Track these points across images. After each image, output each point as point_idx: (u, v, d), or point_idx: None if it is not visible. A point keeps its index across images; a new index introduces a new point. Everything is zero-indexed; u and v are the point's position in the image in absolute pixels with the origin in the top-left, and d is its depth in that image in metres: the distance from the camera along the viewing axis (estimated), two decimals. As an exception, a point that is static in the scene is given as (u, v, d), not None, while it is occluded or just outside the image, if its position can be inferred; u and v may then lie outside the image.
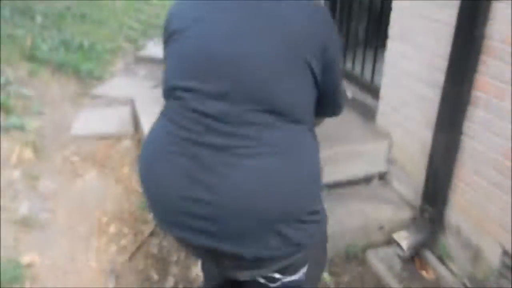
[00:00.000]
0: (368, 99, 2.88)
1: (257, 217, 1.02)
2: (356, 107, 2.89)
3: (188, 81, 1.09)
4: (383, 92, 2.60)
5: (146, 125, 2.96)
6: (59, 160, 2.91)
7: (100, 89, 3.89)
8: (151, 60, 4.57)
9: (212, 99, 1.05)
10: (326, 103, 1.22)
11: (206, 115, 1.05)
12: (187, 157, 1.06)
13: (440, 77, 2.10)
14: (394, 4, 2.42)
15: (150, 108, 3.30)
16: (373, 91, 2.84)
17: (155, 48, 4.86)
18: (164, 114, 1.17)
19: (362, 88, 2.99)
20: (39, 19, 4.79)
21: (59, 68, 3.96)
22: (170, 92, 1.15)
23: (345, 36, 3.20)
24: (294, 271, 1.19)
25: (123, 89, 3.84)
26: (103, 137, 3.17)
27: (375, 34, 2.84)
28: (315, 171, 1.14)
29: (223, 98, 1.05)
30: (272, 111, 1.05)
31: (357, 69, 3.07)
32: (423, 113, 2.27)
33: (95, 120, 3.36)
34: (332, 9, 3.22)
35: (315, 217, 1.14)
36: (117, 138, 3.18)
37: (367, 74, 2.97)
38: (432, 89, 2.18)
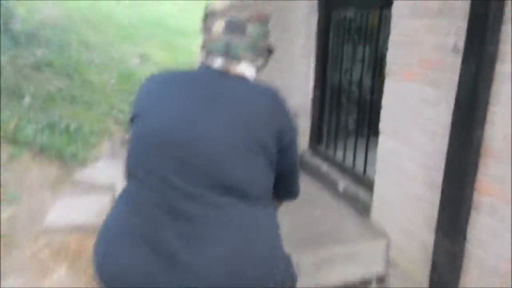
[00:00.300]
0: (361, 192, 2.74)
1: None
2: (349, 201, 2.74)
3: (144, 164, 1.12)
4: (377, 188, 2.47)
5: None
6: (28, 255, 2.67)
7: (82, 174, 3.73)
8: (139, 143, 4.48)
9: (168, 182, 1.08)
10: (283, 186, 1.27)
11: (163, 198, 1.08)
12: (147, 245, 1.06)
13: (438, 178, 1.98)
14: (385, 100, 2.36)
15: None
16: (366, 183, 2.71)
17: (143, 131, 4.80)
18: (121, 197, 1.18)
19: (355, 180, 2.86)
20: (27, 100, 4.73)
21: (42, 151, 3.83)
22: (128, 174, 1.17)
23: (335, 126, 3.14)
24: None
25: (105, 174, 3.68)
26: (79, 229, 2.95)
27: (366, 123, 2.76)
28: (274, 250, 1.16)
29: (179, 180, 1.07)
30: (227, 192, 1.08)
31: (349, 160, 2.97)
32: (422, 214, 2.12)
33: (73, 209, 3.16)
34: (321, 98, 3.19)
35: (282, 274, 1.17)
36: (94, 230, 2.95)
37: (359, 166, 2.85)
38: (430, 189, 2.05)
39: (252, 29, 1.23)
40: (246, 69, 1.23)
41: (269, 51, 1.30)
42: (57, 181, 3.57)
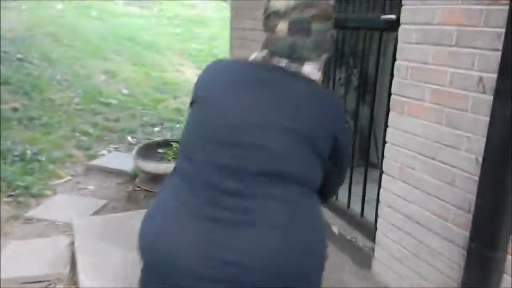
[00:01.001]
0: (358, 237, 2.40)
1: (279, 275, 1.05)
2: (346, 248, 2.40)
3: (202, 148, 1.14)
4: (380, 237, 2.14)
5: (84, 265, 2.35)
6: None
7: (37, 211, 3.26)
8: (103, 171, 4.05)
9: (226, 166, 1.10)
10: (330, 182, 1.26)
11: (218, 181, 1.10)
12: (203, 221, 1.08)
13: (459, 232, 1.66)
14: (389, 136, 2.05)
15: (90, 244, 2.74)
16: (365, 227, 2.38)
17: (108, 157, 4.36)
18: (175, 176, 1.19)
19: (350, 222, 2.52)
20: (-23, 124, 4.24)
21: (-11, 184, 3.35)
22: (184, 156, 1.18)
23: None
24: None
25: (63, 211, 3.23)
26: (30, 281, 2.50)
27: (365, 154, 2.45)
28: (322, 230, 1.21)
29: (236, 165, 1.09)
30: (284, 179, 1.10)
31: (343, 198, 2.63)
32: (441, 273, 1.79)
33: (23, 256, 2.69)
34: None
35: (322, 270, 1.19)
36: (47, 282, 2.51)
37: (356, 206, 2.52)
38: (449, 245, 1.73)
39: (317, 27, 1.20)
40: (311, 70, 1.21)
41: (333, 41, 1.29)
42: (6, 220, 3.09)
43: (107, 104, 5.97)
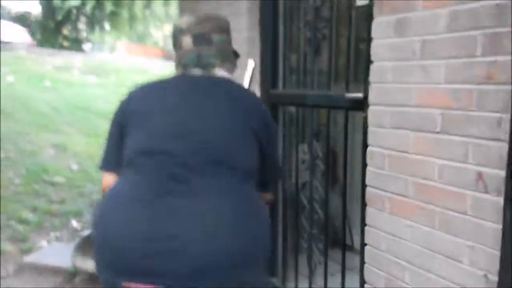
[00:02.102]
0: None
1: (224, 254, 1.11)
2: None
3: (157, 146, 1.25)
4: None
5: None
6: None
7: None
8: (38, 269, 3.47)
9: (178, 158, 1.21)
10: (267, 175, 1.37)
11: (165, 170, 1.20)
12: (152, 206, 1.15)
13: None
14: (368, 237, 1.68)
15: None
16: None
17: (46, 251, 3.78)
18: (124, 177, 1.27)
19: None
20: None
21: None
22: (127, 164, 1.27)
23: (293, 250, 2.39)
24: None
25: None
26: None
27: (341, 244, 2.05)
28: (266, 216, 1.30)
29: (183, 156, 1.21)
30: (226, 168, 1.21)
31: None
32: None
33: None
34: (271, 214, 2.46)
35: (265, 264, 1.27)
36: None
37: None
38: None
39: (217, 39, 1.40)
40: (222, 73, 1.40)
41: (235, 55, 1.48)
42: None
43: (53, 184, 5.42)
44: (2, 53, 12.02)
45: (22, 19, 18.81)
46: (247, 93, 1.44)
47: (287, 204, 2.42)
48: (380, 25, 1.61)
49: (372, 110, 1.66)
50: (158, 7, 20.91)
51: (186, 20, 1.42)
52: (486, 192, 1.26)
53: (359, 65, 2.19)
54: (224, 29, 1.43)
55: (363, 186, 1.73)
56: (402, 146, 1.53)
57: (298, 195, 2.29)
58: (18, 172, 5.49)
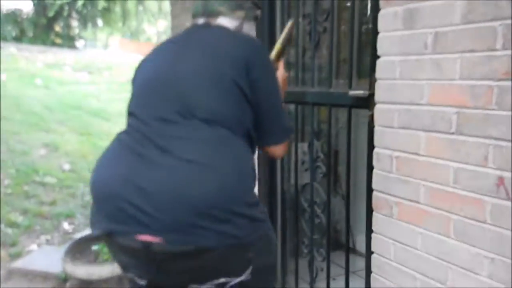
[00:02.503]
0: None
1: (191, 202, 1.10)
2: None
3: (139, 103, 1.31)
4: None
5: None
6: None
7: None
8: (28, 274, 3.34)
9: (155, 113, 1.24)
10: (263, 127, 1.32)
11: (150, 126, 1.23)
12: (132, 155, 1.19)
13: None
14: (375, 245, 1.56)
15: None
16: None
17: (36, 255, 3.64)
18: (117, 135, 1.31)
19: None
20: None
21: None
22: (128, 114, 1.33)
23: (294, 261, 2.28)
24: (239, 272, 1.21)
25: None
26: None
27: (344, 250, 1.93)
28: (243, 166, 1.22)
29: (166, 111, 1.23)
30: (200, 118, 1.21)
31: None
32: None
33: None
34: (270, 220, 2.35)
35: (249, 212, 1.17)
36: None
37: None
38: None
39: None
40: (224, 22, 1.39)
41: (255, 4, 1.47)
42: None
43: (44, 184, 5.28)
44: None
45: (13, 17, 18.52)
46: (233, 39, 1.32)
47: (285, 207, 2.31)
48: (387, 17, 1.49)
49: (378, 109, 1.54)
50: (151, 2, 20.70)
51: None
52: (508, 199, 1.15)
53: (363, 60, 2.08)
54: None
55: (369, 190, 1.62)
56: (413, 147, 1.41)
57: (298, 197, 2.17)
58: (8, 173, 5.34)
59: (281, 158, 2.21)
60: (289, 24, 1.67)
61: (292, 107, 2.25)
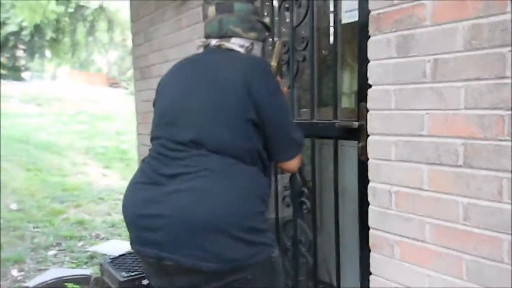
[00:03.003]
0: None
1: (191, 225, 1.21)
2: None
3: (157, 131, 1.41)
4: None
5: None
6: None
7: None
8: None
9: (170, 141, 1.34)
10: (273, 147, 1.36)
11: (166, 153, 1.33)
12: (148, 184, 1.32)
13: None
14: None
15: None
16: None
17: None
18: (143, 159, 1.44)
19: None
20: None
21: None
22: (151, 139, 1.44)
23: None
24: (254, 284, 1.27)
25: None
26: None
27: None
28: (244, 193, 1.27)
29: (177, 141, 1.32)
30: (208, 148, 1.28)
31: None
32: None
33: None
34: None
35: (251, 238, 1.24)
36: None
37: None
38: None
39: (238, 7, 1.44)
40: (238, 42, 1.43)
41: (266, 27, 1.51)
42: None
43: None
44: None
45: (-48, 47, 17.56)
46: (238, 63, 1.35)
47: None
48: (378, 44, 1.41)
49: (372, 141, 1.45)
50: (101, 33, 20.35)
51: None
52: (529, 237, 1.06)
53: (347, 90, 2.01)
54: None
55: (363, 227, 1.51)
56: (414, 181, 1.31)
57: (280, 235, 2.02)
58: None
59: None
60: (278, 43, 1.67)
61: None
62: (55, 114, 11.32)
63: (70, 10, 17.22)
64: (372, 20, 1.44)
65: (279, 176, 2.02)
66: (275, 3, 1.98)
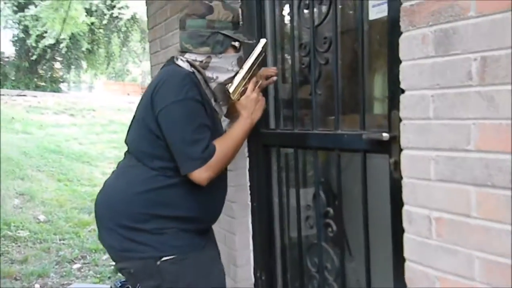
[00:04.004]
0: None
1: (102, 215, 1.58)
2: None
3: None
4: None
5: None
6: None
7: None
8: None
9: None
10: (176, 155, 1.48)
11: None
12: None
13: None
14: None
15: None
16: None
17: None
18: None
19: None
20: None
21: None
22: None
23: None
24: (139, 280, 1.52)
25: None
26: None
27: None
28: (131, 191, 1.51)
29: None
30: (129, 153, 1.61)
31: None
32: None
33: None
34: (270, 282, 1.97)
35: (126, 234, 1.49)
36: None
37: None
38: None
39: (189, 23, 1.53)
40: (190, 57, 1.53)
41: (229, 37, 1.55)
42: None
43: (15, 239, 4.82)
44: (-31, 95, 11.48)
45: (-6, 60, 18.24)
46: (158, 78, 1.53)
47: (287, 271, 1.94)
48: (412, 41, 1.19)
49: (406, 156, 1.22)
50: (135, 44, 20.68)
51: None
52: None
53: (377, 95, 1.78)
54: (198, 13, 1.52)
55: (397, 256, 1.28)
56: (459, 206, 1.08)
57: (303, 260, 1.81)
58: (-26, 229, 4.88)
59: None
60: (260, 43, 1.62)
61: (290, 151, 1.93)
62: (88, 124, 11.44)
63: (104, 21, 17.61)
64: (404, 13, 1.21)
65: (301, 193, 1.81)
66: (295, 1, 1.78)
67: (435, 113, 1.13)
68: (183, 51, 1.56)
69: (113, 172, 1.66)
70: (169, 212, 1.48)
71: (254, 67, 1.61)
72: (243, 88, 1.59)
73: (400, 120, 1.23)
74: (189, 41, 1.54)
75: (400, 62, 1.23)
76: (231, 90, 1.57)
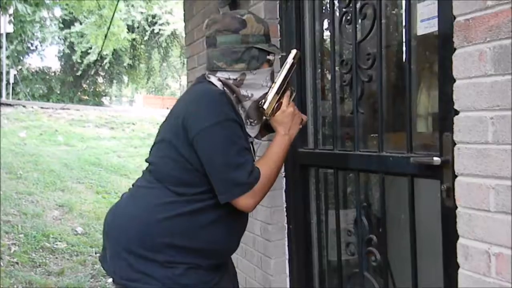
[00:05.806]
0: None
1: (112, 237, 1.46)
2: None
3: None
4: None
5: None
6: None
7: None
8: None
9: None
10: (214, 182, 1.36)
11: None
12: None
13: None
14: None
15: None
16: None
17: None
18: None
19: None
20: None
21: None
22: None
23: None
24: None
25: None
26: None
27: None
28: (149, 216, 1.39)
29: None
30: (149, 173, 1.47)
31: None
32: None
33: None
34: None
35: (132, 261, 1.38)
36: None
37: None
38: None
39: (221, 39, 1.44)
40: (223, 76, 1.44)
41: (262, 50, 1.45)
42: None
43: (53, 251, 4.89)
44: (15, 108, 11.96)
45: (41, 75, 19.05)
46: (189, 98, 1.46)
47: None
48: (468, 58, 1.09)
49: (461, 183, 1.11)
50: (174, 59, 21.11)
51: (205, 23, 1.50)
52: None
53: (420, 112, 1.67)
54: (231, 29, 1.44)
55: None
56: (525, 243, 0.96)
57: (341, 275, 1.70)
58: (16, 238, 4.99)
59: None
60: (291, 54, 1.49)
61: (329, 172, 1.84)
62: (128, 138, 11.67)
63: (146, 37, 18.11)
64: (458, 28, 1.11)
65: (341, 215, 1.71)
66: (336, 16, 1.71)
67: (495, 137, 1.02)
68: (214, 70, 1.45)
69: (129, 189, 1.54)
70: (186, 243, 1.37)
71: (287, 80, 1.49)
72: (277, 104, 1.47)
73: (454, 143, 1.12)
74: (222, 59, 1.42)
75: (454, 80, 1.13)
76: (265, 106, 1.44)
